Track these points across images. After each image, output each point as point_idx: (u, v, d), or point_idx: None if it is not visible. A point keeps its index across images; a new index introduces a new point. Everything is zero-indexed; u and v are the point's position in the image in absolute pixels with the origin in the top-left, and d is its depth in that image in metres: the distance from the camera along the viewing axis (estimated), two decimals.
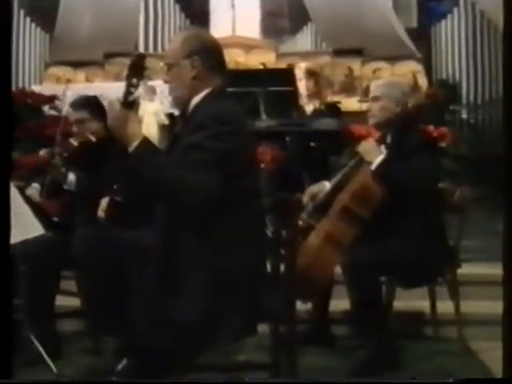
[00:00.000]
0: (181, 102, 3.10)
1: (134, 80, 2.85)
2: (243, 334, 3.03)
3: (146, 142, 2.83)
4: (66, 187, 4.28)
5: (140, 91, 2.96)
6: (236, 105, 3.15)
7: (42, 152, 4.46)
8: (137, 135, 2.81)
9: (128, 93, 2.85)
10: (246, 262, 2.91)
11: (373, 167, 4.09)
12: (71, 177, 4.28)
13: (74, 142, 4.40)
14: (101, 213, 4.01)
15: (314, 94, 6.45)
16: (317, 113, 6.37)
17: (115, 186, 3.97)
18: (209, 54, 3.07)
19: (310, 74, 6.46)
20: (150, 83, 8.20)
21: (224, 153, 2.82)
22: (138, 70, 2.87)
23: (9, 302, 2.91)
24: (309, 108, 6.43)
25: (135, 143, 2.79)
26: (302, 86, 6.40)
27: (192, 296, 2.80)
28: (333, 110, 6.48)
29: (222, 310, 2.84)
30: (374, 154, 4.15)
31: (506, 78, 2.76)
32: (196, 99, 3.03)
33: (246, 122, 3.14)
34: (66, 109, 4.53)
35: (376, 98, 4.27)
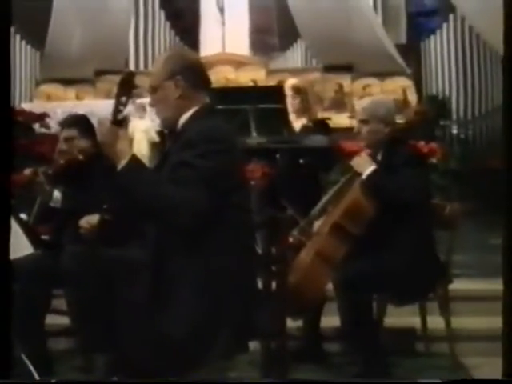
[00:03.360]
0: (170, 122, 3.09)
1: (124, 98, 2.84)
2: (235, 351, 3.02)
3: (134, 160, 2.83)
4: (52, 204, 4.27)
5: (130, 109, 2.95)
6: (225, 122, 3.16)
7: (26, 171, 4.45)
8: (126, 153, 2.81)
9: (117, 111, 2.84)
10: (237, 279, 2.90)
11: (363, 177, 4.10)
12: (56, 194, 4.28)
13: (60, 159, 4.40)
14: (85, 224, 3.99)
15: (302, 111, 6.41)
16: (305, 129, 6.35)
17: (105, 206, 3.96)
18: (191, 71, 3.06)
19: (296, 90, 6.42)
20: (141, 101, 8.20)
21: (213, 171, 2.82)
22: (127, 88, 2.86)
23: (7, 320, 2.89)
24: (297, 125, 6.41)
25: (124, 161, 2.80)
26: (289, 102, 6.38)
27: (183, 312, 2.79)
28: (321, 126, 6.46)
29: (213, 327, 2.83)
30: (367, 166, 4.16)
31: (505, 91, 2.75)
32: (184, 117, 3.03)
33: (235, 140, 3.13)
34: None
35: (364, 122, 4.26)
